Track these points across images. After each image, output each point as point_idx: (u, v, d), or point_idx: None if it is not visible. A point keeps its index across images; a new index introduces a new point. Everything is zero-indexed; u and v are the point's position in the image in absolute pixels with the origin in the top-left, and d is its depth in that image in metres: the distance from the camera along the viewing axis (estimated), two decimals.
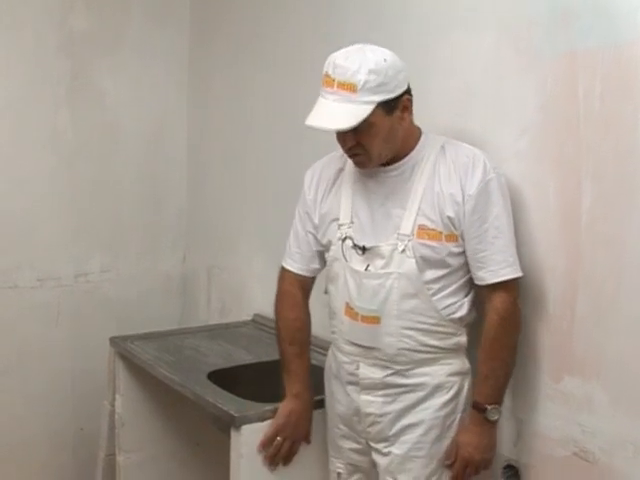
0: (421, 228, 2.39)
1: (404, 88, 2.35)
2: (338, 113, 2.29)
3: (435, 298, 2.41)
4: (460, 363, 2.49)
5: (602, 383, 2.29)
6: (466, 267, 2.43)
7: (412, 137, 2.46)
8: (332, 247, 2.54)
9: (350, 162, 2.52)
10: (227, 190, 4.04)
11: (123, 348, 3.35)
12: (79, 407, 4.08)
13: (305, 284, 2.71)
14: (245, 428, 2.62)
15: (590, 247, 2.31)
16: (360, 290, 2.46)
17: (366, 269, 2.44)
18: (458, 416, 2.47)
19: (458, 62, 2.69)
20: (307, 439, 2.71)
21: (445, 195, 2.37)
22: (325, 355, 2.73)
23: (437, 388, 2.45)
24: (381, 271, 2.42)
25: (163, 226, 4.31)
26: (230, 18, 3.96)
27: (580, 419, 2.35)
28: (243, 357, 3.32)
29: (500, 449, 2.56)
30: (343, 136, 2.38)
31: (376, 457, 2.53)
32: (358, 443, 2.57)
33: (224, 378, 2.99)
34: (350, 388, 2.55)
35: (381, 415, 2.49)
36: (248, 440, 2.62)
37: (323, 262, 2.64)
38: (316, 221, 2.61)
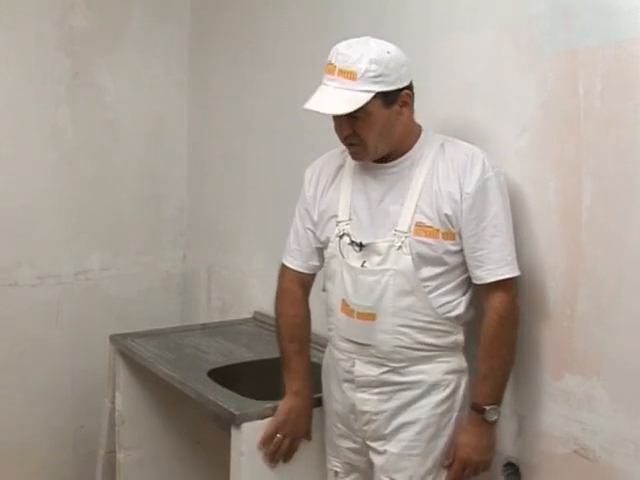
0: (418, 225, 2.39)
1: (405, 83, 2.36)
2: (336, 99, 2.31)
3: (431, 296, 2.41)
4: (457, 361, 2.48)
5: (603, 381, 2.29)
6: (464, 266, 2.42)
7: (412, 134, 2.47)
8: (330, 244, 2.54)
9: (350, 159, 2.53)
10: (227, 188, 4.04)
11: (123, 346, 3.35)
12: (79, 405, 4.08)
13: (305, 281, 2.71)
14: (245, 426, 2.62)
15: (590, 245, 2.31)
16: (356, 287, 2.46)
17: (362, 265, 2.44)
18: (454, 415, 2.46)
19: (458, 60, 2.70)
20: (308, 436, 2.70)
21: (443, 193, 2.37)
22: (324, 352, 2.73)
23: (433, 386, 2.44)
24: (377, 267, 2.42)
25: (163, 224, 4.31)
26: (230, 17, 3.96)
27: (580, 417, 2.35)
28: (243, 355, 3.32)
29: (500, 447, 2.56)
30: (340, 124, 2.39)
31: (373, 456, 2.52)
32: (355, 442, 2.57)
33: (224, 376, 2.99)
34: (346, 386, 2.54)
35: (377, 413, 2.48)
36: (248, 438, 2.62)
37: (322, 259, 2.64)
38: (315, 218, 2.61)
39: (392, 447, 2.47)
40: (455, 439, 2.44)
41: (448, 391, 2.45)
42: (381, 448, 2.49)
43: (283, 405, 2.65)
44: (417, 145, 2.46)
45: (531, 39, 2.44)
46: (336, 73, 2.31)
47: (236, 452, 2.64)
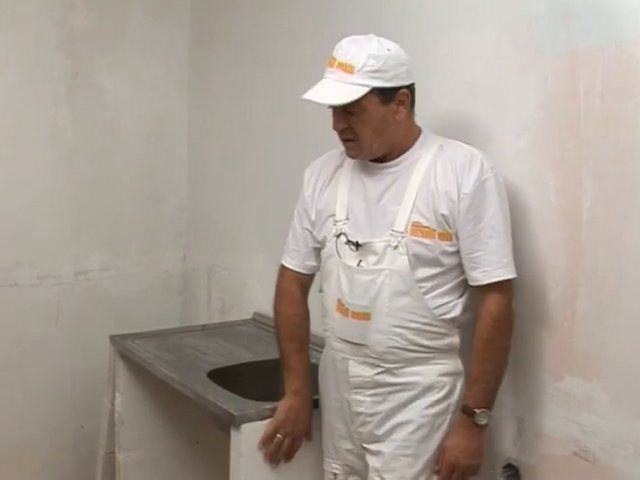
0: (415, 225, 2.38)
1: (404, 82, 2.37)
2: (332, 91, 2.33)
3: (427, 297, 2.40)
4: (453, 363, 2.46)
5: (603, 382, 2.29)
6: (461, 267, 2.41)
7: (410, 135, 2.47)
8: (327, 243, 2.54)
9: (348, 159, 2.53)
10: (227, 188, 4.04)
11: (123, 346, 3.35)
12: (79, 405, 4.08)
13: (303, 281, 2.71)
14: (245, 427, 2.62)
15: (591, 245, 2.31)
16: (352, 286, 2.45)
17: (358, 265, 2.44)
18: (449, 417, 2.44)
19: (458, 60, 2.69)
20: (308, 435, 2.69)
21: (440, 193, 2.36)
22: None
23: (428, 388, 2.43)
24: (373, 267, 2.41)
25: (163, 224, 4.31)
26: (230, 17, 3.96)
27: (580, 418, 2.35)
28: (243, 356, 3.32)
29: (500, 448, 2.57)
30: (336, 117, 2.41)
31: (368, 458, 2.50)
32: (353, 444, 2.55)
33: (224, 377, 2.99)
34: (341, 386, 2.53)
35: (371, 415, 2.47)
36: (248, 439, 2.62)
37: (319, 259, 2.64)
38: (313, 217, 2.61)
39: (385, 447, 2.45)
40: (444, 442, 2.42)
41: (443, 393, 2.43)
42: (375, 449, 2.48)
43: (283, 404, 2.64)
44: (416, 146, 2.46)
45: (531, 40, 2.44)
46: (335, 66, 2.34)
47: (236, 453, 2.63)
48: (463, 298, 2.44)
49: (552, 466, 2.45)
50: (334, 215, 2.52)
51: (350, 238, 2.46)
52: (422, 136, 2.48)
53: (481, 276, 2.36)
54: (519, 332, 2.45)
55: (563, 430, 2.40)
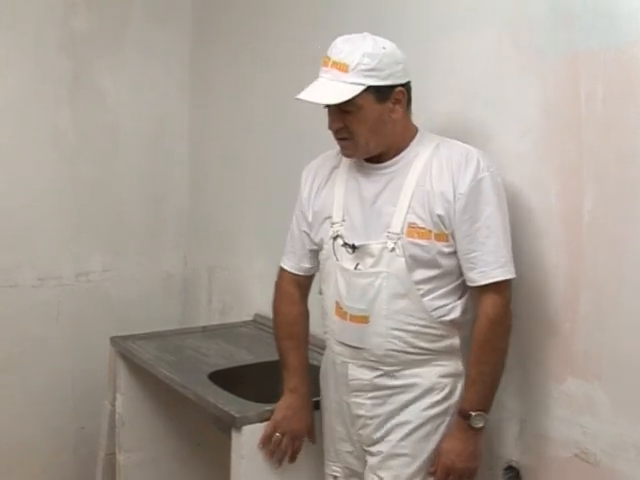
0: (411, 226, 2.36)
1: (399, 81, 2.35)
2: (327, 90, 2.32)
3: (425, 299, 2.38)
4: (453, 365, 2.44)
5: (604, 385, 2.29)
6: (460, 269, 2.39)
7: (407, 134, 2.45)
8: (325, 246, 2.53)
9: (344, 160, 2.52)
10: (228, 190, 4.04)
11: (124, 348, 3.36)
12: (80, 406, 4.08)
13: (301, 282, 2.71)
14: (246, 429, 2.62)
15: (592, 248, 2.31)
16: (349, 289, 2.44)
17: (355, 268, 2.43)
18: (448, 419, 2.42)
19: (459, 63, 2.69)
20: (311, 436, 2.68)
21: (435, 193, 2.34)
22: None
23: (429, 390, 2.41)
24: (370, 270, 2.40)
25: (164, 226, 4.31)
26: (231, 18, 3.96)
27: (582, 421, 2.35)
28: (244, 357, 3.32)
29: (501, 450, 2.57)
30: (331, 117, 2.39)
31: (368, 458, 2.50)
32: (353, 446, 2.54)
33: (225, 378, 2.99)
34: (341, 389, 2.53)
35: (371, 417, 2.46)
36: (249, 441, 2.61)
37: (316, 262, 2.63)
38: (310, 219, 2.60)
39: (382, 447, 2.44)
40: (440, 445, 2.40)
41: (443, 394, 2.41)
42: (374, 450, 2.47)
43: (281, 403, 2.64)
44: (412, 145, 2.44)
45: (532, 42, 2.44)
46: (330, 65, 2.33)
47: (236, 455, 2.63)
48: (463, 299, 2.43)
49: (553, 468, 2.45)
50: (331, 217, 2.51)
51: (346, 240, 2.45)
52: (419, 135, 2.47)
53: (478, 277, 2.34)
54: (520, 334, 2.45)
55: (564, 432, 2.40)
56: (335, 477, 2.62)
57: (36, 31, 3.86)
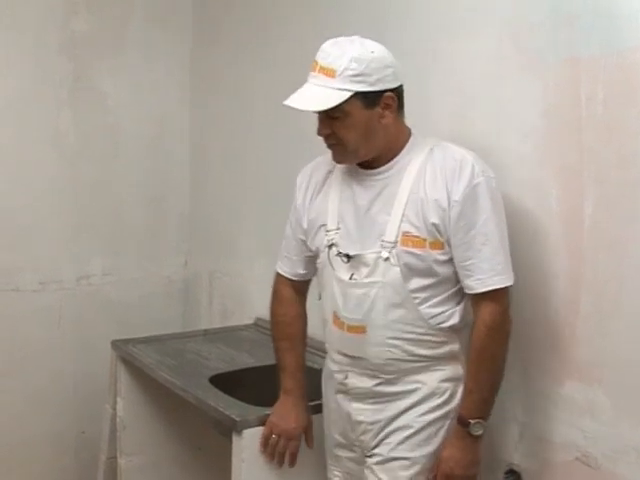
0: (405, 235, 2.32)
1: (389, 85, 2.29)
2: (314, 96, 2.27)
3: (422, 307, 2.34)
4: (453, 369, 2.41)
5: (605, 388, 2.29)
6: (457, 277, 2.35)
7: (399, 139, 2.40)
8: (321, 254, 2.49)
9: (339, 165, 2.49)
10: (229, 194, 4.04)
11: (125, 352, 3.36)
12: (81, 410, 4.08)
13: (298, 285, 2.69)
14: (247, 432, 2.61)
15: (592, 251, 2.30)
16: (345, 300, 2.41)
17: (350, 278, 2.39)
18: (448, 422, 2.39)
19: (459, 66, 2.69)
20: (308, 437, 2.65)
21: (429, 201, 2.29)
22: (324, 357, 2.71)
23: (430, 394, 2.39)
24: (365, 280, 2.36)
25: (165, 229, 4.31)
26: (231, 19, 3.96)
27: (582, 424, 2.34)
28: (245, 361, 3.32)
29: (502, 453, 2.57)
30: (320, 123, 2.35)
31: (367, 460, 2.47)
32: (353, 452, 2.52)
33: (226, 382, 2.99)
34: (340, 397, 2.51)
35: (372, 423, 2.44)
36: (250, 444, 2.61)
37: (311, 267, 2.61)
38: (305, 226, 2.57)
39: (382, 449, 2.43)
40: (439, 452, 2.38)
41: (443, 398, 2.39)
42: (374, 452, 2.44)
43: (276, 405, 2.63)
44: (405, 150, 2.39)
45: (533, 46, 2.43)
46: (317, 70, 2.28)
47: (237, 458, 2.63)
48: (461, 305, 2.39)
49: (554, 471, 2.44)
50: (325, 225, 2.47)
51: (341, 250, 2.41)
52: (412, 139, 2.41)
53: (475, 284, 2.30)
54: (521, 337, 2.45)
55: (565, 435, 2.40)
56: None
57: (37, 33, 3.86)
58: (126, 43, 4.11)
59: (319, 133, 2.37)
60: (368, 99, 2.27)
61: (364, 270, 2.37)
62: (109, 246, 4.15)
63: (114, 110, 4.11)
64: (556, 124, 2.38)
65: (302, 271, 2.64)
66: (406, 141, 2.40)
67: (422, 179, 2.32)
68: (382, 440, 2.43)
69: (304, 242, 2.58)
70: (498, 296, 2.30)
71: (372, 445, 2.45)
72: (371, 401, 2.44)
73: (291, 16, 3.53)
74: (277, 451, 2.62)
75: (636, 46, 2.14)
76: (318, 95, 2.26)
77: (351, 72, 2.23)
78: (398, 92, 2.33)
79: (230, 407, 2.72)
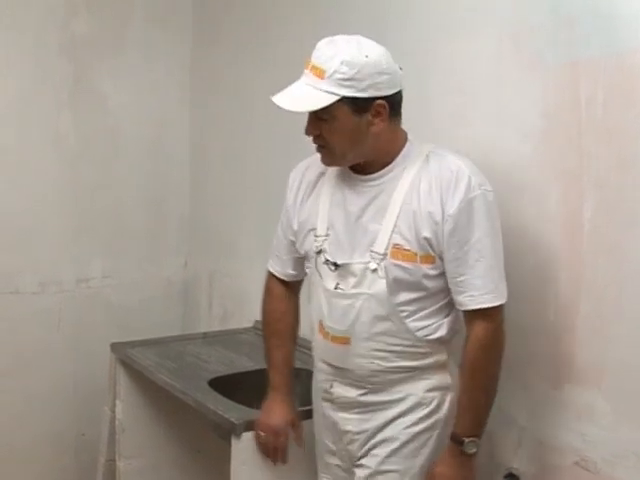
0: (396, 247, 2.25)
1: (381, 93, 2.19)
2: (301, 96, 2.21)
3: (409, 320, 2.29)
4: (440, 378, 2.36)
5: (604, 392, 2.28)
6: (447, 290, 2.28)
7: (393, 146, 2.31)
8: (310, 259, 2.44)
9: (331, 168, 2.41)
10: (229, 196, 4.03)
11: (124, 354, 3.35)
12: (80, 412, 4.08)
13: (289, 283, 2.65)
14: (246, 435, 2.61)
15: (592, 255, 2.30)
16: (330, 309, 2.35)
17: (336, 287, 2.33)
18: (436, 432, 2.35)
19: (459, 68, 2.68)
20: (296, 435, 2.60)
21: (423, 214, 2.22)
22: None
23: (416, 404, 2.34)
24: (352, 291, 2.30)
25: (165, 231, 4.31)
26: (232, 20, 3.96)
27: (582, 428, 2.34)
28: (244, 364, 3.31)
29: (501, 457, 2.56)
30: (308, 123, 2.27)
31: (355, 471, 2.43)
32: (342, 460, 2.47)
33: (225, 385, 2.99)
34: (326, 405, 2.47)
35: (358, 433, 2.39)
36: (249, 447, 2.61)
37: (302, 268, 2.56)
38: (295, 228, 2.50)
39: (370, 462, 2.38)
40: (432, 469, 2.32)
41: (430, 408, 2.34)
42: (362, 463, 2.40)
43: (264, 403, 2.60)
44: (400, 158, 2.30)
45: (532, 46, 2.43)
46: (309, 68, 2.22)
47: (236, 461, 2.63)
48: (450, 317, 2.34)
49: (553, 476, 2.44)
50: (315, 229, 2.40)
51: (328, 257, 2.35)
52: (407, 146, 2.32)
53: (466, 301, 2.23)
54: (520, 341, 2.44)
55: (564, 440, 2.39)
56: None
57: (37, 34, 3.86)
58: (126, 44, 4.11)
59: (307, 133, 2.29)
60: (357, 105, 2.18)
61: (351, 280, 2.31)
62: (109, 248, 4.15)
63: (114, 112, 4.11)
64: (556, 126, 2.37)
65: (292, 272, 2.60)
66: (401, 147, 2.32)
67: (416, 189, 2.25)
68: (369, 451, 2.39)
69: (294, 243, 2.53)
70: (491, 313, 2.24)
71: (359, 455, 2.41)
72: (357, 411, 2.40)
73: (291, 16, 3.52)
74: (267, 448, 2.59)
75: (636, 48, 2.14)
76: (306, 95, 2.20)
77: (340, 75, 2.15)
78: (392, 100, 2.23)
79: (229, 410, 2.71)
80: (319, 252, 2.38)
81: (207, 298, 4.20)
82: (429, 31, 2.80)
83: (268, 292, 2.69)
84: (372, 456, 2.38)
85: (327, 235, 2.38)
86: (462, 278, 2.23)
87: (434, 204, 2.21)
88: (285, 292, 2.65)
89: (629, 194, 2.19)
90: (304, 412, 2.65)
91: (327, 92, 2.16)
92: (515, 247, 2.39)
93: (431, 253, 2.24)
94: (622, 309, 2.23)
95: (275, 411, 2.57)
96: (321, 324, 2.41)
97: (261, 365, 3.20)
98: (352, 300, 2.30)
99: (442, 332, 2.32)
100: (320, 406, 2.52)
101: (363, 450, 2.40)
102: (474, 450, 2.28)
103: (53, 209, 3.99)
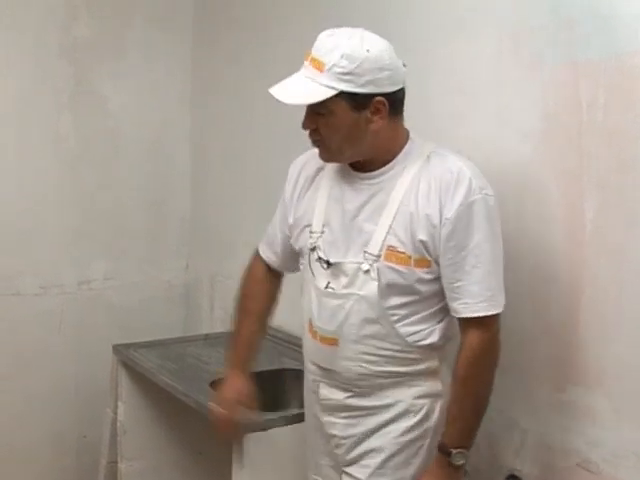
0: (390, 249, 2.18)
1: (381, 89, 2.13)
2: (299, 88, 2.15)
3: (399, 325, 2.22)
4: (430, 385, 2.28)
5: (605, 393, 2.28)
6: (441, 295, 2.22)
7: (393, 145, 2.24)
8: (304, 255, 2.37)
9: (330, 164, 2.35)
10: (231, 197, 4.03)
11: (126, 356, 3.36)
12: (81, 414, 4.08)
13: (272, 270, 2.61)
14: (247, 437, 2.61)
15: (593, 256, 2.30)
16: (320, 309, 2.29)
17: (326, 287, 2.27)
18: (427, 441, 2.27)
19: (459, 70, 2.68)
20: (248, 406, 2.53)
21: (420, 216, 2.15)
22: None
23: (404, 412, 2.27)
24: (342, 291, 2.24)
25: (166, 233, 4.31)
26: (232, 23, 3.96)
27: (583, 429, 2.34)
28: None
29: (503, 459, 2.56)
30: (306, 117, 2.21)
31: (344, 478, 2.37)
32: (333, 460, 2.40)
33: None
34: (315, 407, 2.41)
35: (344, 438, 2.33)
36: (251, 450, 2.61)
37: (288, 260, 2.53)
38: (291, 221, 2.45)
39: (360, 473, 2.32)
40: (417, 476, 2.27)
41: (419, 417, 2.27)
42: (351, 472, 2.34)
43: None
44: (400, 156, 2.24)
45: (533, 49, 2.43)
46: (309, 60, 2.16)
47: (238, 464, 2.63)
48: (442, 324, 2.26)
49: (555, 477, 2.43)
50: (310, 225, 2.34)
51: (321, 255, 2.28)
52: (409, 144, 2.26)
53: (461, 308, 2.17)
54: (521, 342, 2.45)
55: (566, 441, 2.39)
56: None
57: (38, 37, 3.86)
58: (127, 47, 4.11)
59: (303, 127, 2.23)
60: (356, 101, 2.12)
61: (343, 280, 2.25)
62: (110, 250, 4.15)
63: (114, 113, 4.11)
64: (556, 127, 2.37)
65: (278, 260, 2.57)
66: (402, 146, 2.26)
67: (415, 190, 2.18)
68: (358, 460, 2.32)
69: (288, 237, 2.48)
70: (486, 322, 2.17)
71: (347, 460, 2.35)
72: (343, 415, 2.33)
73: (291, 18, 3.51)
74: (220, 423, 2.54)
75: (636, 50, 2.13)
76: (303, 88, 2.14)
77: (340, 69, 2.09)
78: (393, 97, 2.17)
79: None
80: (313, 249, 2.32)
81: (209, 300, 4.20)
82: (429, 31, 2.79)
83: (249, 271, 2.65)
84: (363, 467, 2.31)
85: (322, 232, 2.31)
86: (458, 284, 2.16)
87: (432, 206, 2.15)
88: (267, 276, 2.61)
89: (630, 194, 2.19)
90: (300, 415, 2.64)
91: (325, 86, 2.10)
92: (516, 248, 2.38)
93: (426, 257, 2.18)
94: (624, 309, 2.22)
95: (230, 385, 2.52)
96: (310, 323, 2.35)
97: (262, 367, 3.22)
98: (342, 300, 2.24)
99: (434, 338, 2.25)
100: (311, 407, 2.46)
101: (351, 456, 2.34)
102: (461, 462, 2.20)
103: (54, 211, 3.99)
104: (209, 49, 4.16)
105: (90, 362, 4.00)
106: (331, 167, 2.36)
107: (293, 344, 3.27)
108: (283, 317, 3.41)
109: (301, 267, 2.42)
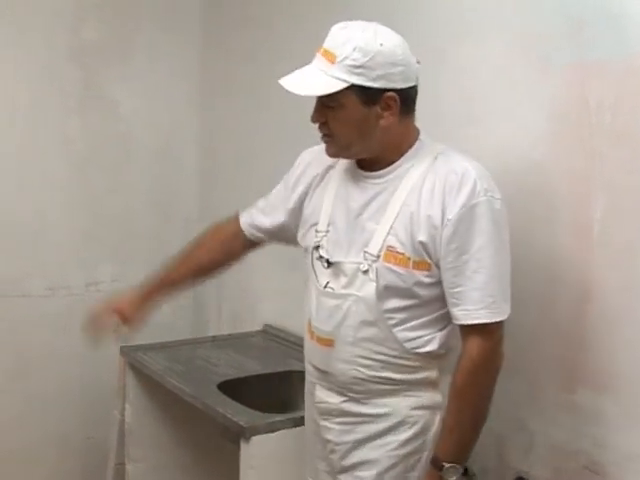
0: (389, 250, 2.13)
1: (393, 85, 2.09)
2: (309, 80, 2.12)
3: (397, 329, 2.16)
4: (429, 396, 2.22)
5: (614, 395, 2.27)
6: (443, 300, 2.15)
7: (402, 143, 2.20)
8: (308, 254, 2.33)
9: (340, 162, 2.31)
10: (237, 200, 4.00)
11: (133, 358, 3.36)
12: (87, 416, 4.07)
13: (244, 234, 2.65)
14: (255, 439, 2.61)
15: (602, 257, 2.29)
16: (318, 308, 2.26)
17: (325, 286, 2.24)
18: (425, 454, 2.20)
19: (468, 71, 2.68)
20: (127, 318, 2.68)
21: (420, 216, 2.10)
22: None
23: (399, 423, 2.20)
24: (341, 291, 2.20)
25: (174, 235, 4.29)
26: (240, 25, 3.96)
27: (591, 431, 2.33)
28: (254, 367, 3.31)
29: (511, 461, 2.55)
30: (315, 109, 2.17)
31: None
32: (330, 465, 2.34)
33: (234, 388, 2.98)
34: (312, 409, 2.38)
35: (339, 444, 2.28)
36: (258, 451, 2.61)
37: (265, 236, 2.61)
38: (291, 205, 2.47)
39: None
40: None
41: (416, 429, 2.20)
42: (344, 479, 2.30)
43: None
44: (408, 155, 2.19)
45: (542, 50, 2.42)
46: (321, 52, 2.12)
47: (246, 465, 2.63)
48: (444, 332, 2.20)
49: (563, 479, 2.43)
50: (317, 224, 2.31)
51: (322, 254, 2.25)
52: (417, 144, 2.21)
53: (460, 315, 2.10)
54: (529, 344, 2.44)
55: (574, 443, 2.38)
56: None
57: (46, 41, 3.87)
58: (135, 51, 4.11)
59: (312, 120, 2.19)
60: (367, 95, 2.08)
61: (342, 280, 2.20)
62: (118, 252, 4.15)
63: (123, 118, 4.11)
64: (565, 128, 2.37)
65: (255, 231, 2.62)
66: (411, 145, 2.21)
67: (419, 191, 2.13)
68: (351, 470, 2.27)
69: (283, 224, 2.52)
70: (487, 330, 2.10)
71: (341, 466, 2.29)
72: (338, 420, 2.28)
73: (301, 20, 3.49)
74: (88, 320, 2.65)
75: None
76: (314, 79, 2.10)
77: (351, 62, 2.05)
78: (405, 94, 2.13)
79: (238, 414, 2.71)
80: (316, 247, 2.28)
81: (216, 302, 4.20)
82: (437, 33, 2.79)
83: (219, 224, 2.72)
84: (357, 478, 2.26)
85: (327, 231, 2.27)
86: (458, 289, 2.10)
87: (435, 207, 2.10)
88: (228, 234, 2.68)
89: (638, 195, 2.19)
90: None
91: (336, 78, 2.07)
92: (524, 249, 2.37)
93: (426, 259, 2.12)
94: (632, 312, 2.22)
95: (123, 295, 2.69)
96: (309, 323, 2.32)
97: (271, 369, 3.24)
98: (340, 301, 2.20)
99: (433, 346, 2.18)
100: (309, 409, 2.43)
101: (344, 463, 2.28)
102: (454, 478, 2.12)
103: (62, 213, 4.00)
104: (217, 50, 4.16)
105: (97, 364, 3.97)
106: (340, 166, 2.33)
107: (300, 346, 3.25)
108: (290, 318, 3.43)
109: (306, 265, 2.37)
